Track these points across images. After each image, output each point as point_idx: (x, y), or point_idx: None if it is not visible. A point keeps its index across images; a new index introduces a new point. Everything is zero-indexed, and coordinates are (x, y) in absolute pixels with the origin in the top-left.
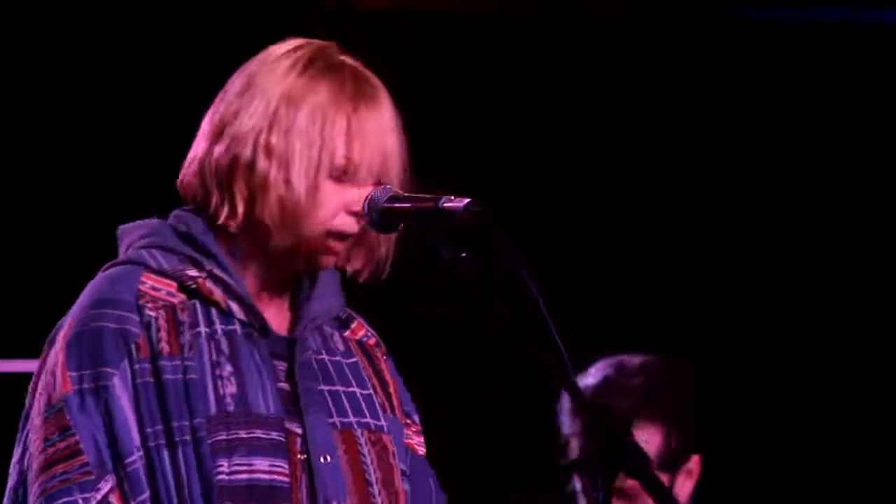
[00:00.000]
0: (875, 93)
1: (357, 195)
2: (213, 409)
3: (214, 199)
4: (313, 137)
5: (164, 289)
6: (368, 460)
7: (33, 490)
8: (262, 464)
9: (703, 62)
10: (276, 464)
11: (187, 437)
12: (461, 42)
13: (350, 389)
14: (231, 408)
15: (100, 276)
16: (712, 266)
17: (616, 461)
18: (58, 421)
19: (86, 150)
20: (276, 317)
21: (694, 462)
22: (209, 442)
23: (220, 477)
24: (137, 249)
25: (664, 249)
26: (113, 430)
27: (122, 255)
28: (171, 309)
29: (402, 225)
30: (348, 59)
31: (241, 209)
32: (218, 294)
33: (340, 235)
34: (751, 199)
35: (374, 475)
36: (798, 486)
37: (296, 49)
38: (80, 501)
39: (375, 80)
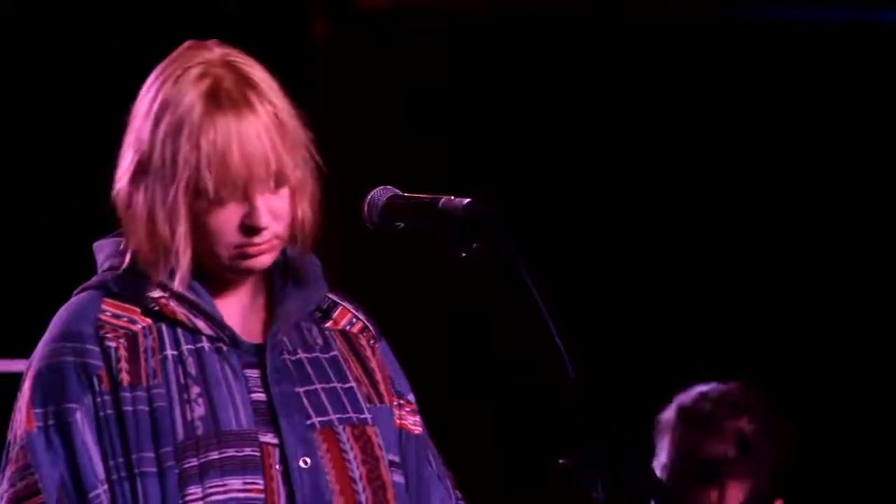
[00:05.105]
0: (875, 93)
1: (245, 209)
2: (181, 435)
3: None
4: (168, 167)
5: (126, 315)
6: (352, 456)
7: None
8: (236, 483)
9: (704, 62)
10: (251, 480)
11: (150, 469)
12: (461, 42)
13: (330, 385)
14: (200, 430)
15: (63, 307)
16: (712, 266)
17: (621, 465)
18: (21, 459)
19: (86, 150)
20: (250, 323)
21: None
22: (178, 470)
23: None
24: (103, 272)
25: (664, 248)
26: (77, 466)
27: (94, 277)
28: (132, 337)
29: (402, 225)
30: (214, 69)
31: (128, 244)
32: (181, 313)
33: (244, 255)
34: (751, 199)
35: (357, 471)
36: (798, 487)
37: (165, 66)
38: None
39: (243, 82)
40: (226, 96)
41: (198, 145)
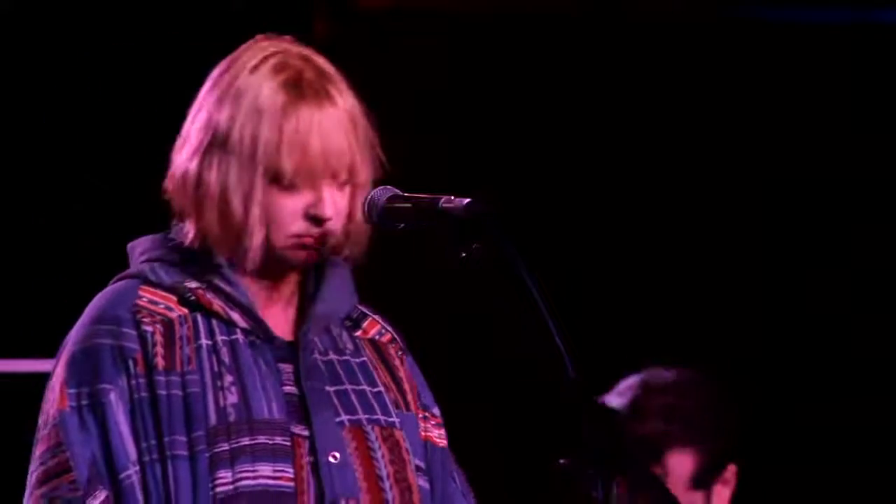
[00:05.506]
0: (875, 93)
1: (312, 198)
2: (213, 420)
3: (179, 214)
4: (246, 149)
5: (163, 303)
6: (379, 455)
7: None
8: (266, 469)
9: (704, 62)
10: (281, 468)
11: (181, 452)
12: (461, 42)
13: (359, 387)
14: (232, 417)
15: (99, 294)
16: (712, 266)
17: (615, 461)
18: (53, 437)
19: (87, 151)
20: (282, 320)
21: (730, 472)
22: (209, 454)
23: (222, 488)
24: (140, 264)
25: (664, 249)
26: (109, 445)
27: (131, 267)
28: (168, 324)
29: (402, 225)
30: (293, 60)
31: (190, 224)
32: (217, 304)
33: (300, 245)
34: (751, 199)
35: (385, 470)
36: (797, 488)
37: (237, 57)
38: None
39: (323, 76)
40: (308, 87)
41: (280, 131)
